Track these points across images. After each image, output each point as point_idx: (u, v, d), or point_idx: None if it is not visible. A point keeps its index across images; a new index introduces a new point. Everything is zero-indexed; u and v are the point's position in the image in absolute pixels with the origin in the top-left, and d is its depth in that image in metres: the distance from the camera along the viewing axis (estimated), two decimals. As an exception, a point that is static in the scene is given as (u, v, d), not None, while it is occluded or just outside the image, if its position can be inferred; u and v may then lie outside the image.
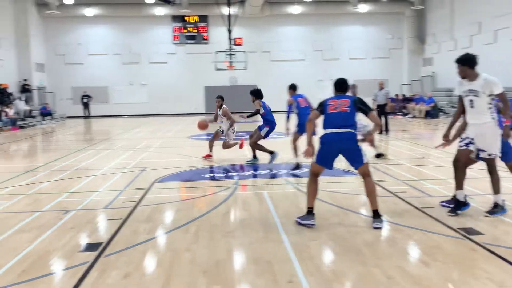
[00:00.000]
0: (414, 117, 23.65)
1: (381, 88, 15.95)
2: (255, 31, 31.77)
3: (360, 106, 5.45)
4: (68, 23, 30.57)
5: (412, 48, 31.51)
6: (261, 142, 10.03)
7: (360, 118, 5.86)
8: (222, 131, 10.78)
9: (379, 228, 5.27)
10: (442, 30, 28.25)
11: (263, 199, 6.78)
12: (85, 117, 29.68)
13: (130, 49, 31.51)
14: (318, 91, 32.22)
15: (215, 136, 10.90)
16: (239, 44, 29.21)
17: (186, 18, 31.33)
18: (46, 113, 26.13)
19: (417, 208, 6.12)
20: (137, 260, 4.45)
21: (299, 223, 5.41)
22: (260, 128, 10.07)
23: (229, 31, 28.16)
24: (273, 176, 8.71)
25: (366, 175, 5.40)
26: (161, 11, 30.13)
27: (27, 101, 26.14)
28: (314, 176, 5.55)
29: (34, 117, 25.49)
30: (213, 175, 9.11)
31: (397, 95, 28.11)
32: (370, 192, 5.38)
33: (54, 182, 8.55)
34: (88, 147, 14.21)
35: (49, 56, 30.76)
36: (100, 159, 11.63)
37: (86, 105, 29.82)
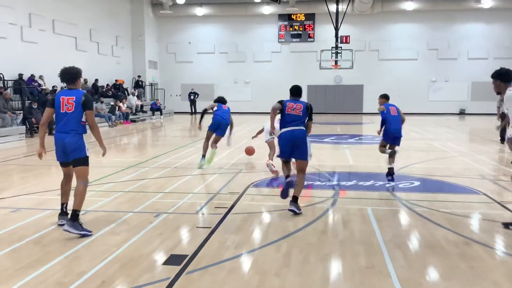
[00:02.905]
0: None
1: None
2: (364, 28, 30.41)
3: (310, 112, 6.43)
4: (180, 23, 31.78)
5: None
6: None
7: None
8: None
9: (292, 211, 6.03)
10: None
11: (366, 217, 6.00)
12: (192, 113, 30.62)
13: (236, 48, 31.93)
14: (431, 93, 30.25)
15: None
16: (346, 42, 28.06)
17: (292, 16, 30.96)
18: (156, 108, 27.34)
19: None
20: (221, 282, 3.98)
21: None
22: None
23: (336, 29, 27.18)
24: (379, 188, 7.84)
25: (301, 171, 6.40)
26: (268, 9, 30.06)
27: (139, 97, 27.55)
28: (284, 163, 6.60)
29: (145, 112, 26.80)
30: (311, 182, 8.46)
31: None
32: (297, 184, 6.34)
33: (152, 180, 8.53)
34: (191, 143, 14.34)
35: (161, 54, 32.27)
36: (200, 158, 11.55)
37: (193, 102, 30.75)
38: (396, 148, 8.73)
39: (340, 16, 27.03)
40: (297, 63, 31.08)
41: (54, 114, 5.48)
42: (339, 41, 27.38)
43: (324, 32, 29.94)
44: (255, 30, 31.69)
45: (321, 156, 11.65)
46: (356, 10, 28.21)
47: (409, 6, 28.80)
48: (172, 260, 4.49)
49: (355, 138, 16.15)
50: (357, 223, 5.74)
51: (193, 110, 30.83)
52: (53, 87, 19.78)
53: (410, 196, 7.21)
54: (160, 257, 4.57)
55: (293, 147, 6.30)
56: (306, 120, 6.40)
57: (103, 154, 5.76)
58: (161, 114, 27.33)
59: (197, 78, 31.94)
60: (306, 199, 7.13)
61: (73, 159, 5.38)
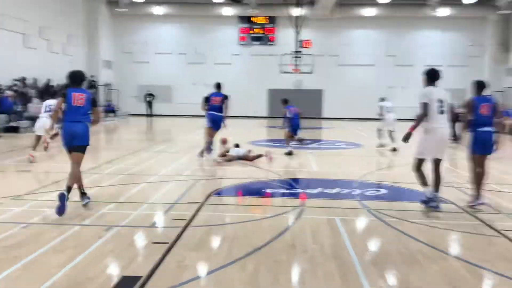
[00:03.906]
0: (496, 132, 21.33)
1: None
2: (324, 33, 30.52)
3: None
4: (137, 22, 30.85)
5: (495, 57, 28.95)
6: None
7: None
8: None
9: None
10: (532, 37, 25.66)
11: (335, 228, 5.64)
12: (148, 115, 29.72)
13: (195, 49, 31.29)
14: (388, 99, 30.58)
15: None
16: (307, 47, 28.03)
17: (253, 19, 30.66)
18: (110, 110, 26.32)
19: (538, 257, 4.76)
20: (180, 310, 3.49)
21: None
22: None
23: (297, 33, 27.10)
24: (345, 196, 7.53)
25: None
26: (229, 11, 29.63)
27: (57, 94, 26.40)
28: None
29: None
30: (275, 190, 8.06)
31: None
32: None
33: (104, 188, 7.88)
34: (146, 147, 13.69)
35: (117, 53, 31.17)
36: (156, 163, 10.96)
37: (149, 104, 29.88)
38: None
39: (300, 20, 26.97)
40: (258, 67, 30.81)
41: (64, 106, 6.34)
42: (299, 45, 27.32)
43: (285, 36, 29.80)
44: (215, 32, 31.17)
45: (285, 162, 11.30)
46: (316, 15, 28.24)
47: (368, 12, 29.15)
48: (124, 283, 3.94)
49: (317, 143, 15.94)
50: (326, 235, 5.37)
51: (150, 112, 29.95)
52: (-2, 85, 18.56)
53: (378, 204, 6.93)
54: (110, 280, 4.00)
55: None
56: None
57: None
58: (115, 115, 26.32)
59: (154, 79, 31.05)
60: (270, 208, 6.72)
61: (77, 145, 6.35)
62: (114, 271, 4.20)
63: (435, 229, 5.76)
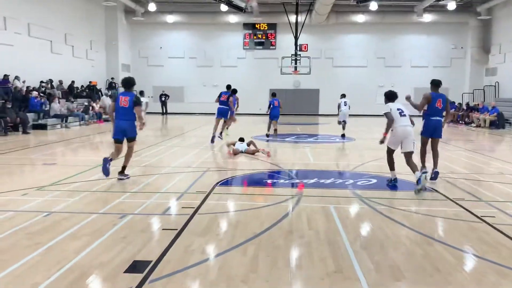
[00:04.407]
0: (478, 126, 21.12)
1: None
2: (320, 38, 30.23)
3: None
4: (152, 29, 30.65)
5: (476, 58, 28.59)
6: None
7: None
8: None
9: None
10: (508, 41, 25.26)
11: (330, 216, 5.52)
12: (163, 113, 29.60)
13: (204, 54, 31.10)
14: (378, 97, 30.29)
15: None
16: (304, 50, 27.74)
17: (256, 26, 30.42)
18: (128, 108, 26.20)
19: (516, 241, 4.63)
20: (185, 292, 3.39)
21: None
22: None
23: (296, 38, 26.86)
24: (339, 186, 7.40)
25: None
26: (234, 18, 29.37)
27: (112, 97, 26.34)
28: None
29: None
30: (275, 181, 7.95)
31: (460, 103, 25.59)
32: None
33: (120, 179, 7.78)
34: (161, 142, 13.59)
35: (134, 58, 31.00)
36: (169, 156, 10.87)
37: (164, 103, 29.75)
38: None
39: (299, 26, 26.70)
40: (260, 69, 30.60)
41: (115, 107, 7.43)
42: (298, 49, 27.08)
43: (285, 41, 29.55)
44: (222, 37, 30.95)
45: (284, 155, 11.19)
46: (313, 21, 27.99)
47: (360, 18, 28.81)
48: (135, 267, 3.85)
49: (314, 138, 15.79)
50: (321, 222, 5.25)
51: (164, 111, 29.83)
52: (27, 87, 18.48)
53: (369, 193, 6.81)
54: (122, 264, 3.91)
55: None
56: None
57: (141, 128, 7.63)
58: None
59: (168, 81, 30.91)
60: (271, 197, 6.61)
61: (129, 137, 7.53)
62: (126, 256, 4.10)
63: (420, 215, 5.64)
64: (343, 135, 15.00)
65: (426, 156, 7.90)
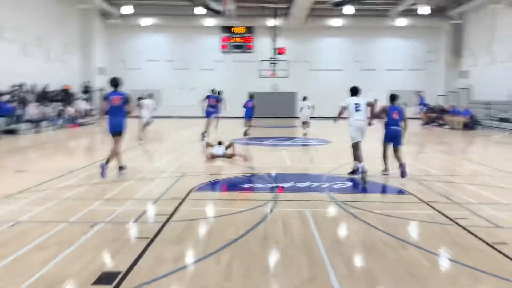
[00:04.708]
0: (452, 128, 21.53)
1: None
2: (297, 41, 30.37)
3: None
4: (128, 32, 30.23)
5: (449, 61, 29.21)
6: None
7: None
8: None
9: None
10: (479, 44, 25.90)
11: (306, 221, 5.47)
12: (139, 117, 29.13)
13: (182, 56, 30.83)
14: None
15: None
16: (282, 54, 27.87)
17: (233, 29, 30.34)
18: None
19: (487, 243, 4.66)
20: (155, 304, 3.27)
21: None
22: None
23: (273, 41, 26.94)
24: (315, 190, 7.37)
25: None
26: (211, 22, 29.21)
27: (88, 101, 25.82)
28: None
29: (93, 116, 25.12)
30: (252, 185, 7.87)
31: (435, 106, 25.95)
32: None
33: (92, 186, 7.55)
34: (136, 146, 13.33)
35: (111, 61, 30.48)
36: (144, 161, 10.67)
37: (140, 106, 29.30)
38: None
39: (276, 30, 26.78)
40: (239, 72, 30.51)
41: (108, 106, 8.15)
42: (276, 52, 27.17)
43: (263, 44, 29.57)
44: (199, 40, 30.75)
45: (261, 159, 11.12)
46: (290, 25, 28.11)
47: (336, 22, 29.07)
48: (103, 278, 3.71)
49: (292, 141, 15.79)
50: (297, 227, 5.20)
51: (141, 114, 29.39)
52: (-3, 91, 17.89)
53: (344, 197, 6.80)
54: (90, 276, 3.76)
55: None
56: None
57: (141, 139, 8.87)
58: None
59: (145, 84, 30.46)
60: (246, 202, 6.52)
61: (117, 130, 8.22)
62: (95, 267, 3.94)
63: (395, 218, 5.64)
64: (305, 134, 16.66)
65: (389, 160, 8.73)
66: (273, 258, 4.24)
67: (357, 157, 8.34)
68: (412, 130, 21.40)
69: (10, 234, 4.82)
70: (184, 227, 5.17)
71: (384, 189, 7.73)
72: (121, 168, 8.46)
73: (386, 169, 8.66)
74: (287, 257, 4.23)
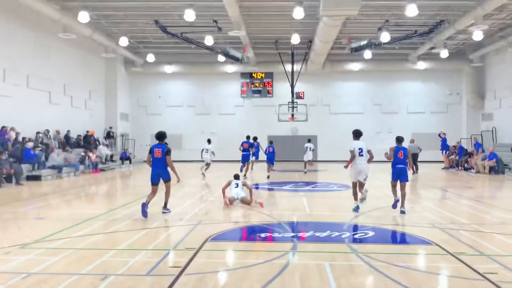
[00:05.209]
0: (478, 172, 20.92)
1: (412, 142, 21.32)
2: (316, 85, 30.73)
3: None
4: (150, 78, 31.22)
5: (471, 104, 28.92)
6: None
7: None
8: None
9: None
10: (502, 86, 25.63)
11: (324, 274, 5.24)
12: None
13: (202, 102, 31.49)
14: (376, 143, 30.39)
15: None
16: (301, 98, 28.20)
17: (253, 75, 31.03)
18: (125, 157, 26.14)
19: (521, 302, 4.33)
20: None
21: None
22: None
23: (292, 86, 27.35)
24: (335, 240, 7.12)
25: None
26: (231, 68, 29.96)
27: (110, 146, 26.34)
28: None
29: (114, 161, 25.53)
30: (269, 234, 7.68)
31: (454, 146, 25.17)
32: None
33: (107, 234, 7.52)
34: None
35: (133, 107, 31.37)
36: (161, 208, 10.61)
37: (161, 151, 29.70)
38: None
39: (295, 75, 27.23)
40: (258, 116, 30.88)
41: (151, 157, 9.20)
42: (294, 96, 27.53)
43: (282, 88, 30.01)
44: (220, 86, 31.45)
45: (281, 205, 10.95)
46: (309, 70, 28.57)
47: (354, 66, 29.40)
48: None
49: (311, 186, 15.58)
50: (315, 282, 4.97)
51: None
52: (23, 138, 18.47)
53: (365, 248, 6.54)
54: (97, 335, 3.63)
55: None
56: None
57: (178, 181, 9.67)
58: (130, 162, 26.12)
59: (166, 129, 30.50)
60: (263, 254, 6.32)
61: (164, 179, 9.27)
62: (103, 325, 3.81)
63: (419, 272, 5.35)
64: (305, 172, 19.80)
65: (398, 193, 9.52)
66: (289, 317, 4.03)
67: (355, 194, 9.79)
68: (436, 173, 20.96)
69: (21, 287, 4.76)
70: (197, 280, 5.01)
71: (407, 239, 7.42)
72: (165, 207, 9.55)
73: (396, 202, 9.49)
74: (303, 317, 4.00)
